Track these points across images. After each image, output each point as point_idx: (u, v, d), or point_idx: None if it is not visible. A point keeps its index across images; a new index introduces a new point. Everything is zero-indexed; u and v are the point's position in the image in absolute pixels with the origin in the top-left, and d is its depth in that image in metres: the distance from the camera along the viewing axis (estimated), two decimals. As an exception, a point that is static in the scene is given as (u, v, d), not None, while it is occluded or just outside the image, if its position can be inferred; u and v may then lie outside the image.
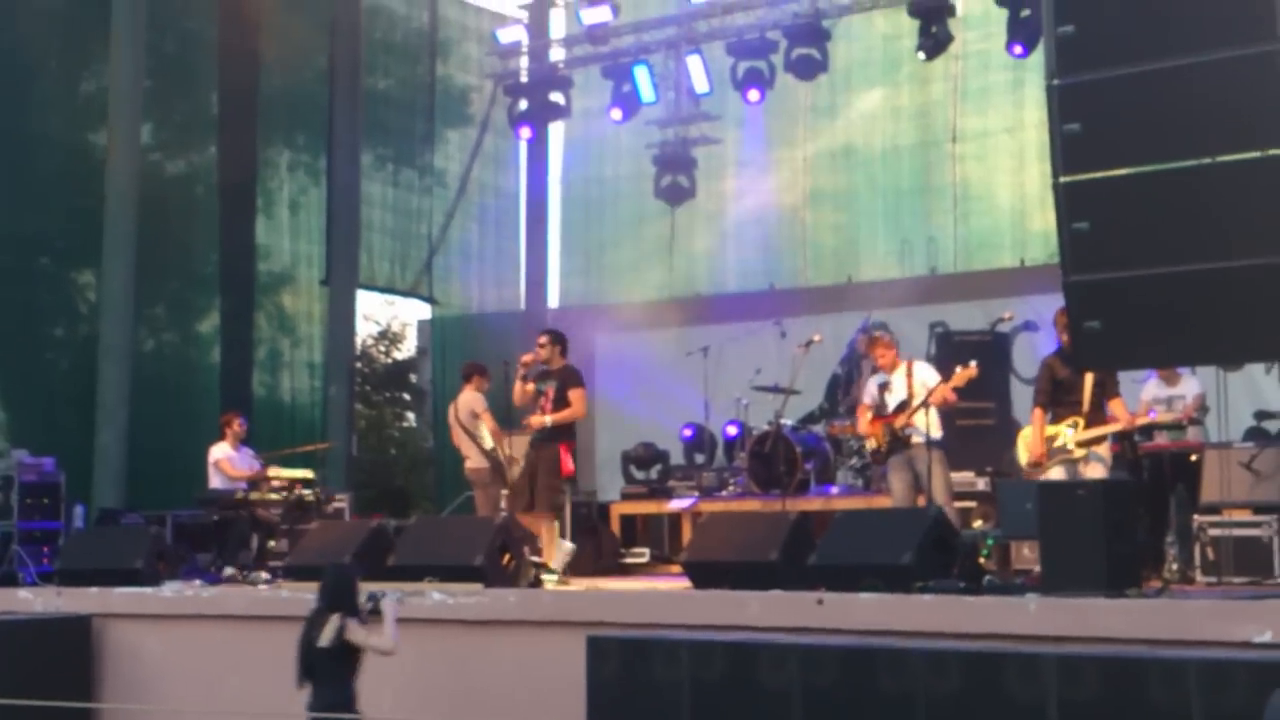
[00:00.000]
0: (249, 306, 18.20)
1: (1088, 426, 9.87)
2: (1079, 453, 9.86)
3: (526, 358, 11.61)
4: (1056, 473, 9.79)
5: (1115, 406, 9.97)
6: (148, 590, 10.82)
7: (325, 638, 7.93)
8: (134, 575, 11.00)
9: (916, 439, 10.65)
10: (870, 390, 11.16)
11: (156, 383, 16.78)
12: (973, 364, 10.54)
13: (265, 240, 18.64)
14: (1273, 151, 7.87)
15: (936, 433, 10.69)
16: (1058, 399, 9.99)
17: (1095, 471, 9.75)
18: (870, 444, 11.14)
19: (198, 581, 11.51)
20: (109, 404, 15.53)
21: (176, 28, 17.94)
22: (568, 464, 11.27)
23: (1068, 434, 9.88)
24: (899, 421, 10.71)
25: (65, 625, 10.64)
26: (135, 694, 10.29)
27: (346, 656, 7.95)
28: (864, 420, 11.12)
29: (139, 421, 15.72)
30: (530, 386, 11.42)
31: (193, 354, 18.06)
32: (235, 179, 17.93)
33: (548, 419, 11.17)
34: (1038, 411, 10.09)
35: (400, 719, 8.53)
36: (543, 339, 11.60)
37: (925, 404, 10.54)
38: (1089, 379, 9.79)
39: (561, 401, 11.23)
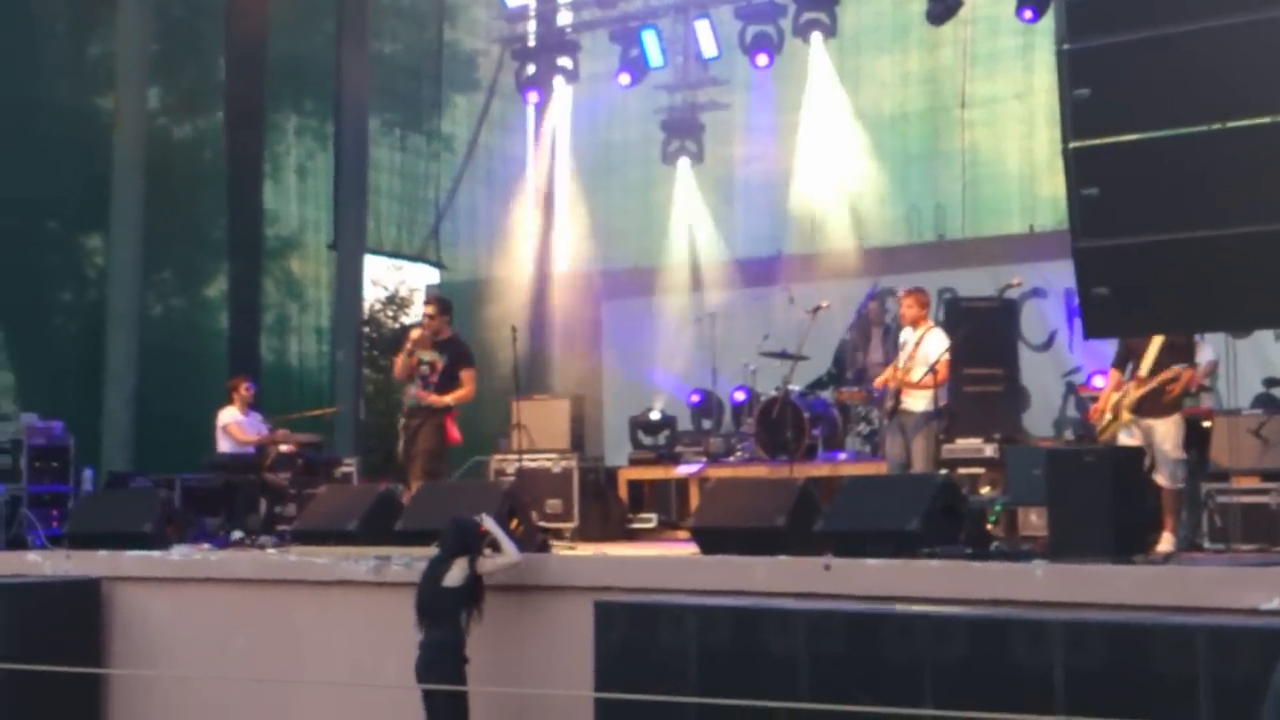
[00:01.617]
0: (257, 271, 18.17)
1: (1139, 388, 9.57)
2: (1126, 417, 9.65)
3: (416, 333, 11.42)
4: (1122, 438, 9.53)
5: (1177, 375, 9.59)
6: (156, 554, 10.85)
7: (454, 578, 8.70)
8: (143, 539, 11.02)
9: (906, 406, 10.81)
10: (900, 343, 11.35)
11: (164, 347, 16.77)
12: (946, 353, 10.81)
13: (273, 205, 18.60)
14: (1285, 118, 7.82)
15: (922, 405, 10.86)
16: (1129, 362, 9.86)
17: (1158, 434, 9.41)
18: (888, 402, 11.23)
19: (206, 545, 11.53)
20: (117, 369, 15.55)
21: (184, -9, 17.91)
22: (454, 433, 11.22)
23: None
24: (890, 381, 10.90)
25: (74, 588, 10.66)
26: (143, 657, 10.34)
27: (471, 593, 8.74)
28: (885, 374, 11.29)
29: (147, 386, 15.74)
30: (415, 359, 11.23)
31: (200, 319, 18.06)
32: (243, 144, 17.88)
33: (449, 399, 11.09)
34: (1112, 373, 9.97)
35: (404, 685, 8.55)
36: (429, 308, 11.48)
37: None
38: (1155, 344, 9.53)
39: (451, 377, 11.13)
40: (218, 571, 10.53)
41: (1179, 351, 9.46)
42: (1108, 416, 9.54)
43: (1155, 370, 9.43)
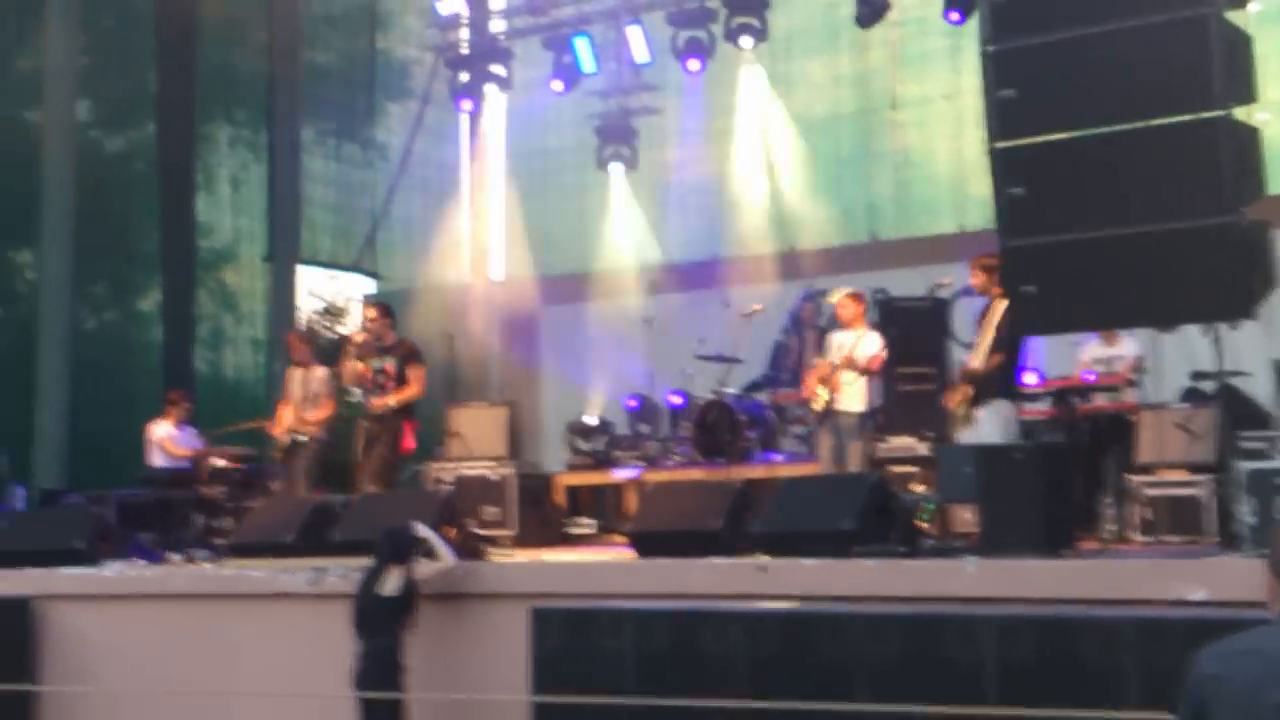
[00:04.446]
0: (190, 284, 18.09)
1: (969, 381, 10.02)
2: (962, 411, 9.98)
3: (358, 337, 11.51)
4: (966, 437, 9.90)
5: (991, 360, 9.98)
6: (89, 570, 10.73)
7: (391, 587, 8.67)
8: (76, 555, 10.88)
9: (841, 406, 10.90)
10: (830, 345, 11.41)
11: (98, 362, 16.69)
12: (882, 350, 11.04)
13: (206, 217, 18.53)
14: (1205, 114, 7.94)
15: (859, 405, 11.01)
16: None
17: (974, 435, 9.84)
18: (815, 403, 11.32)
19: (140, 561, 11.42)
20: (49, 384, 15.46)
21: (113, 3, 17.79)
22: (409, 440, 11.28)
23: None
24: (823, 384, 10.97)
25: (4, 607, 10.48)
26: (77, 675, 10.22)
27: (408, 603, 8.68)
28: (813, 376, 11.34)
29: (81, 401, 15.65)
30: (362, 366, 11.31)
31: (134, 332, 17.97)
32: (175, 155, 17.81)
33: (391, 401, 11.13)
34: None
35: (342, 695, 8.52)
36: (370, 312, 11.58)
37: (834, 372, 11.00)
38: (987, 334, 9.89)
39: (402, 379, 11.17)
40: (152, 587, 10.44)
41: (1001, 340, 9.72)
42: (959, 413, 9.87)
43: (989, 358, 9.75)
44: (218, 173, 18.87)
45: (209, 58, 18.31)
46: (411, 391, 11.27)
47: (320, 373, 12.76)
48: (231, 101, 19.11)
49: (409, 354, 11.41)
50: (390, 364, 11.27)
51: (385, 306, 11.67)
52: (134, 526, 12.60)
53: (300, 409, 12.45)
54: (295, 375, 12.79)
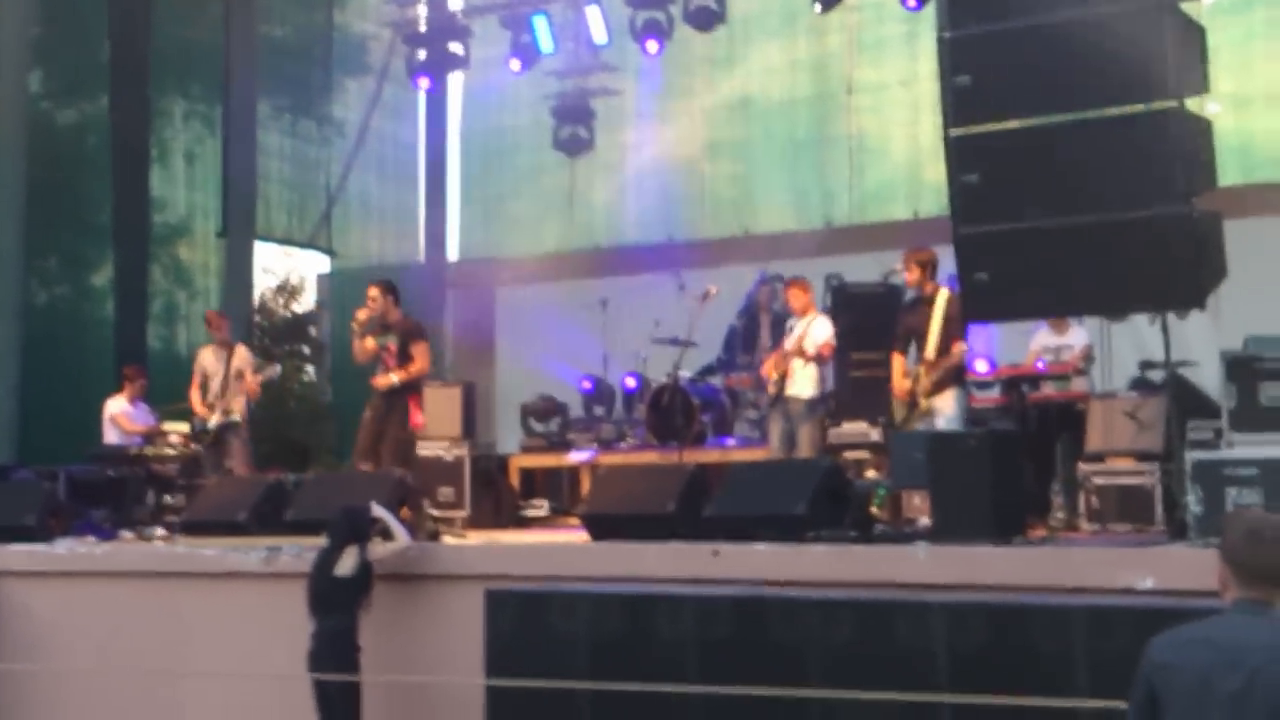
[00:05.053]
0: (144, 259, 17.87)
1: (930, 373, 10.15)
2: (925, 405, 10.11)
3: (361, 314, 11.56)
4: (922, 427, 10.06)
5: (955, 349, 10.15)
6: (40, 547, 10.68)
7: (346, 567, 8.67)
8: (25, 532, 10.83)
9: (791, 392, 10.97)
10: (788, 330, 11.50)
11: (49, 336, 16.52)
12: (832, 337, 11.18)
13: (160, 191, 18.32)
14: (1158, 105, 8.02)
15: (809, 391, 11.10)
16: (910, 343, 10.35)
17: (937, 411, 10.06)
18: (771, 388, 11.41)
19: (91, 538, 11.37)
20: (-1, 358, 15.30)
21: (65, -27, 17.60)
22: (416, 417, 11.33)
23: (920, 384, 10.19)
24: (777, 369, 11.06)
25: (-45, 584, 10.47)
26: (29, 652, 10.17)
27: (363, 583, 8.71)
28: (770, 361, 11.42)
29: (31, 376, 15.49)
30: (370, 343, 11.37)
31: (86, 307, 17.78)
32: (128, 129, 17.57)
33: (394, 378, 11.18)
34: (895, 357, 10.46)
35: (296, 675, 8.52)
36: (373, 291, 11.54)
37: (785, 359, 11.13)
38: (935, 325, 10.05)
39: (404, 356, 11.24)
40: (104, 564, 10.40)
41: (955, 325, 9.86)
42: (904, 407, 10.02)
43: (941, 350, 9.88)
44: (172, 146, 18.68)
45: (163, 30, 18.06)
46: (416, 367, 11.30)
47: (242, 351, 12.86)
48: (186, 75, 18.91)
49: (410, 331, 11.45)
50: (392, 342, 11.30)
51: (387, 284, 11.69)
52: (85, 503, 12.54)
53: (223, 389, 12.50)
54: (209, 353, 12.87)
